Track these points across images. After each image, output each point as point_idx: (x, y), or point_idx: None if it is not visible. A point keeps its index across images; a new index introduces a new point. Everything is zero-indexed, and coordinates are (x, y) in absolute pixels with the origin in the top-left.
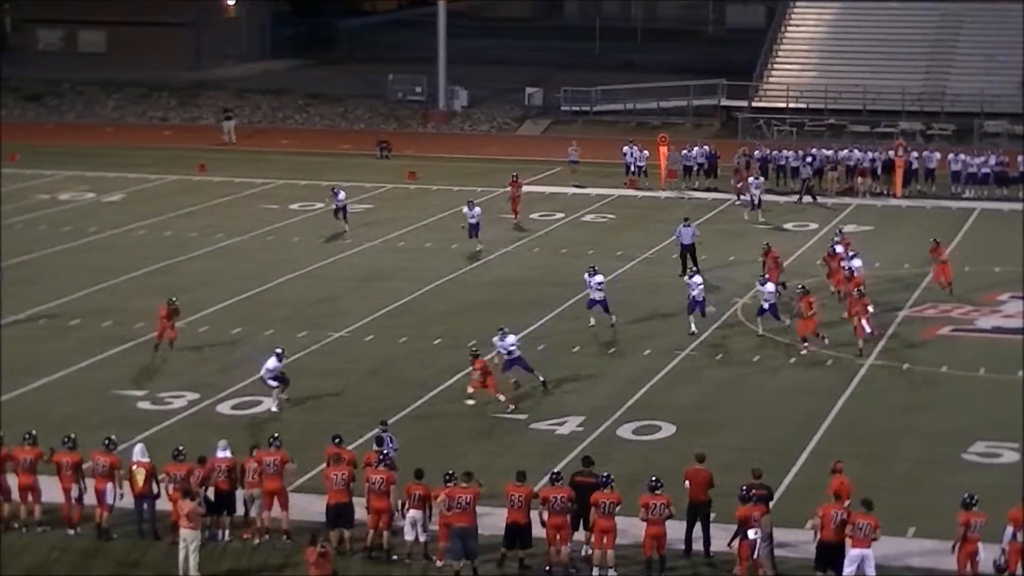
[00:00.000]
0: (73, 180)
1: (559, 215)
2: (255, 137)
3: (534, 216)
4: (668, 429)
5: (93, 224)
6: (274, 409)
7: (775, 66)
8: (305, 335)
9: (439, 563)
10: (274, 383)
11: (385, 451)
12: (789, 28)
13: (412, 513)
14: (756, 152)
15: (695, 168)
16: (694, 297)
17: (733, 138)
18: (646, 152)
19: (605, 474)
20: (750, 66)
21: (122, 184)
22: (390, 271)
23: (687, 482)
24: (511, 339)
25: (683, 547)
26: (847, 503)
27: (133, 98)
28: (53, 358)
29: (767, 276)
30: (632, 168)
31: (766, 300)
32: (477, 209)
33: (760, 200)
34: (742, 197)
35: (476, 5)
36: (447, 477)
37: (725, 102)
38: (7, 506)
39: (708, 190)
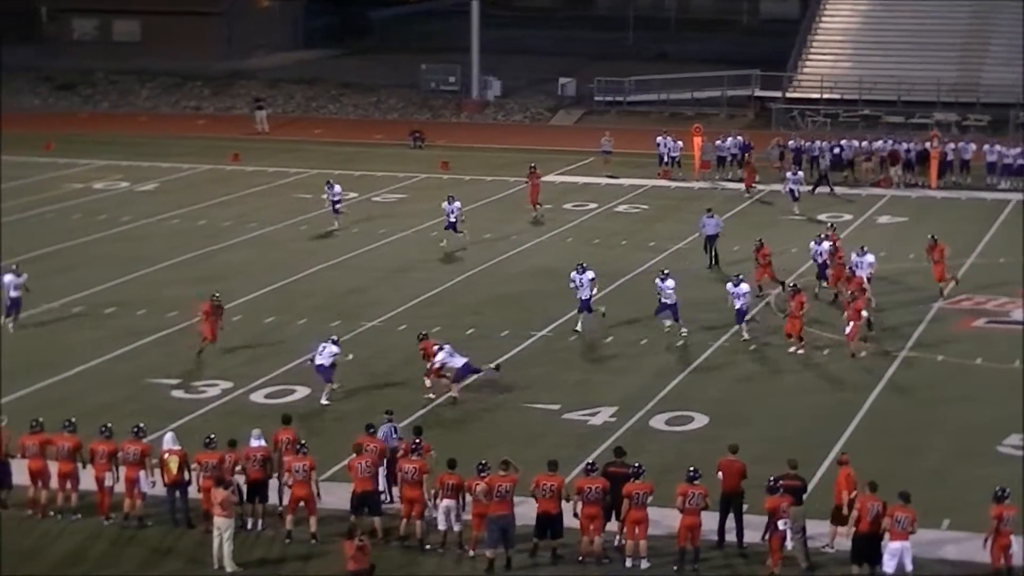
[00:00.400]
0: (107, 169)
1: (592, 205)
2: (288, 127)
3: (567, 206)
4: (701, 420)
5: (127, 213)
6: (324, 402)
7: (809, 56)
8: (338, 324)
9: (472, 552)
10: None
11: (388, 443)
12: (823, 18)
13: (446, 503)
14: (791, 143)
15: (728, 159)
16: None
17: (767, 129)
18: (680, 143)
19: (636, 464)
20: (784, 56)
21: (155, 173)
22: (423, 261)
23: (720, 473)
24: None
25: (715, 538)
26: (854, 494)
27: (167, 87)
28: (87, 347)
29: (741, 277)
30: (665, 159)
31: (738, 299)
32: (457, 204)
33: (799, 193)
34: (752, 188)
35: None
36: (481, 467)
37: (759, 93)
38: (44, 492)
39: (741, 181)
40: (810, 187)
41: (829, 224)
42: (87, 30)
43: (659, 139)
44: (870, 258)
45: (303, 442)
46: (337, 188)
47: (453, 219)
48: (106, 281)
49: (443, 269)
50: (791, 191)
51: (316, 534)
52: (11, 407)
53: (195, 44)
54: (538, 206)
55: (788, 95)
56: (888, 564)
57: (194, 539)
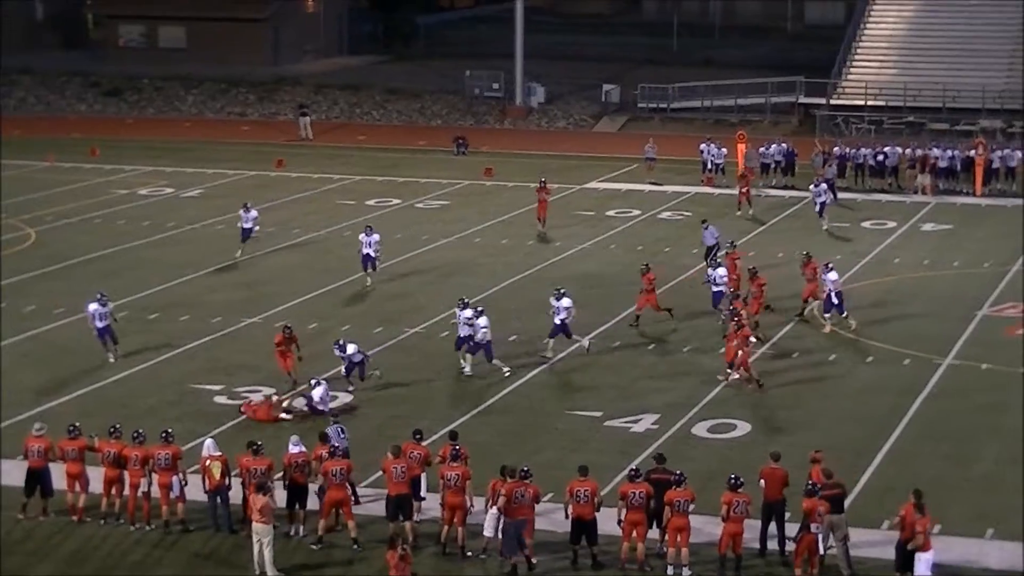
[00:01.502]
0: (152, 175)
1: (636, 212)
2: (332, 133)
3: (610, 213)
4: (743, 427)
5: (172, 219)
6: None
7: (854, 63)
8: (381, 331)
9: (513, 560)
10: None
11: (335, 444)
12: (868, 25)
13: (495, 510)
14: (836, 149)
15: (773, 166)
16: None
17: (811, 135)
18: (724, 149)
19: (678, 472)
20: (829, 63)
21: (200, 179)
22: (466, 267)
23: (762, 481)
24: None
25: (757, 546)
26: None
27: (212, 93)
28: (132, 350)
29: (563, 290)
30: (709, 165)
31: (559, 313)
32: (375, 236)
33: (824, 206)
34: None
35: (554, 1)
36: (523, 473)
37: (803, 99)
38: (83, 497)
39: (785, 188)
40: (874, 196)
41: (730, 243)
42: (133, 36)
43: (703, 145)
44: (833, 275)
45: (336, 445)
46: (253, 214)
47: (370, 252)
48: (151, 286)
49: (486, 275)
50: (821, 204)
51: (358, 539)
52: (56, 411)
53: (240, 50)
54: (544, 223)
55: (832, 102)
56: (924, 573)
57: (234, 545)
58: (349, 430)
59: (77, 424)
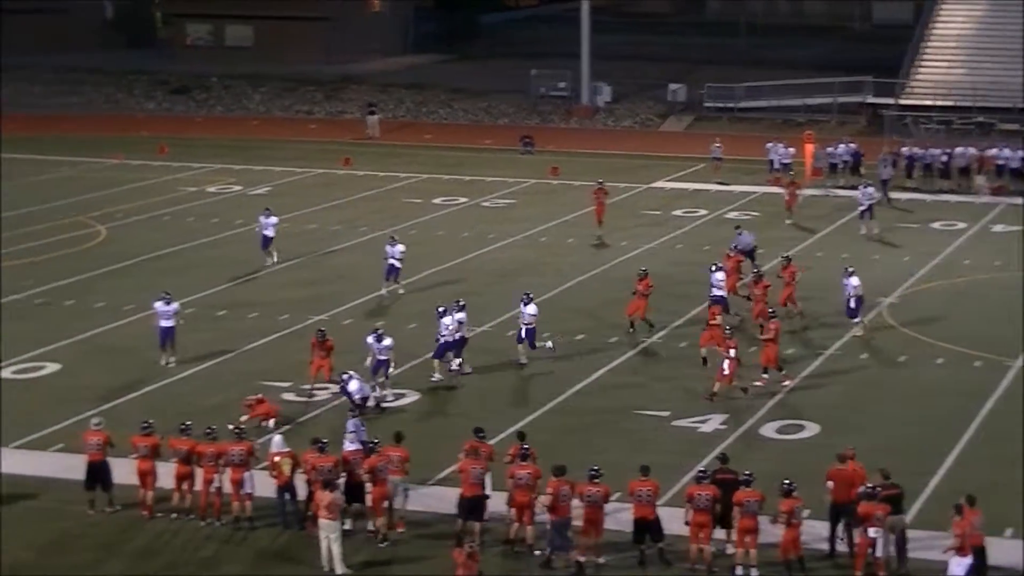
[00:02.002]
0: (220, 173)
1: (702, 212)
2: (399, 131)
3: (677, 212)
4: (812, 428)
5: (239, 216)
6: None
7: (922, 63)
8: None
9: (582, 558)
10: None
11: (359, 437)
12: (937, 24)
13: None
14: (904, 149)
15: (840, 166)
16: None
17: (879, 136)
18: (791, 149)
19: (747, 472)
20: (897, 62)
21: (267, 177)
22: (532, 266)
23: (830, 482)
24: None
25: (818, 547)
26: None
27: (279, 92)
28: (200, 348)
29: (530, 295)
30: (776, 165)
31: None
32: (399, 247)
33: (869, 209)
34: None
35: (620, 1)
36: (593, 473)
37: (871, 99)
38: (151, 493)
39: (853, 188)
40: (943, 197)
41: (733, 246)
42: (201, 35)
43: (769, 145)
44: (855, 280)
45: (375, 440)
46: (274, 219)
47: (394, 262)
48: (218, 283)
49: (552, 274)
50: (868, 207)
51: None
52: (123, 408)
53: (307, 49)
54: (601, 226)
55: (901, 101)
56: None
57: (303, 541)
58: (414, 428)
59: (151, 421)
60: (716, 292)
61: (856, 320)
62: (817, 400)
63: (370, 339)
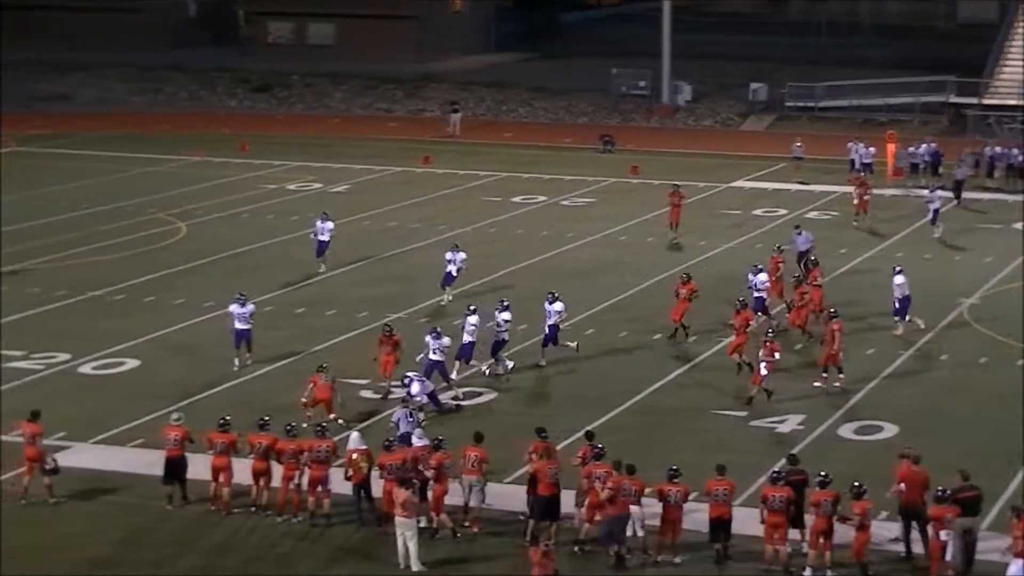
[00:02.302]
0: (300, 170)
1: (782, 211)
2: (479, 130)
3: (757, 212)
4: (890, 429)
5: (319, 214)
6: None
7: (1007, 62)
8: (525, 327)
9: (659, 558)
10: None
11: (402, 429)
12: (1022, 23)
13: (632, 509)
14: (986, 149)
15: (921, 166)
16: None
17: (961, 136)
18: (872, 149)
19: (822, 473)
20: (981, 62)
21: (347, 175)
22: (611, 265)
23: (902, 484)
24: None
25: (889, 549)
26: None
27: (360, 90)
28: (278, 345)
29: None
30: (857, 164)
31: (758, 291)
32: (461, 255)
33: (936, 213)
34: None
35: (699, 0)
36: (672, 472)
37: (954, 99)
38: (227, 490)
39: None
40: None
41: (777, 247)
42: (283, 33)
43: (850, 145)
44: (900, 279)
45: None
46: (330, 224)
47: (452, 270)
48: (297, 281)
49: (630, 274)
50: (934, 211)
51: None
52: (201, 404)
53: (388, 47)
54: (676, 229)
55: (984, 101)
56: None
57: (377, 538)
58: (488, 427)
59: (228, 417)
60: (757, 294)
61: (899, 319)
62: (896, 401)
63: (428, 338)
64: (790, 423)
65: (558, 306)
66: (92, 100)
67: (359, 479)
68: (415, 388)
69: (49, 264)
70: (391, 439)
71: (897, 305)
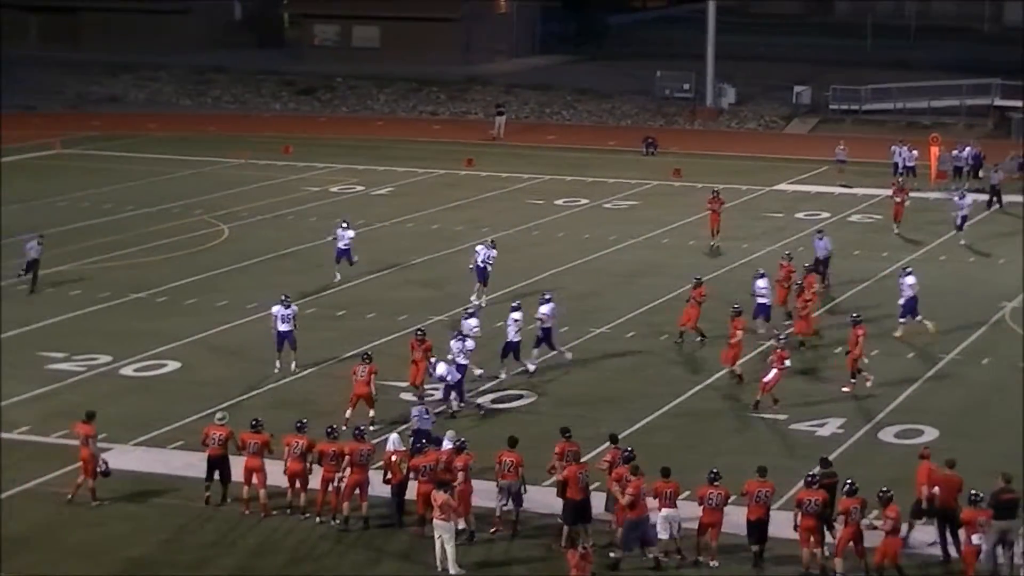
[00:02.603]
0: (343, 173)
1: (825, 214)
2: (522, 132)
3: (799, 215)
4: (931, 433)
5: (362, 216)
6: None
7: None
8: (567, 330)
9: (699, 558)
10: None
11: (417, 426)
12: None
13: (666, 511)
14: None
15: (966, 169)
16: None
17: (1006, 138)
18: (915, 152)
19: (849, 480)
20: None
21: (391, 177)
22: (653, 268)
23: (937, 488)
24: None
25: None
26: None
27: (404, 92)
28: (320, 347)
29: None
30: (900, 168)
31: (760, 297)
32: (494, 251)
33: (964, 219)
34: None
35: (745, 2)
36: (712, 476)
37: (999, 102)
38: (263, 491)
39: (978, 191)
40: None
41: (786, 254)
42: (328, 36)
43: (894, 148)
44: (910, 279)
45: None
46: (351, 232)
47: (481, 264)
48: (339, 282)
49: (672, 276)
50: (962, 217)
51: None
52: (243, 405)
53: (433, 50)
54: (716, 235)
55: None
56: None
57: (415, 540)
58: (529, 429)
59: (260, 419)
60: (760, 300)
61: (902, 320)
62: (937, 405)
63: (453, 342)
64: (830, 427)
65: (546, 308)
66: (141, 102)
67: (397, 481)
68: (441, 368)
69: (94, 265)
70: (422, 442)
71: (902, 306)
